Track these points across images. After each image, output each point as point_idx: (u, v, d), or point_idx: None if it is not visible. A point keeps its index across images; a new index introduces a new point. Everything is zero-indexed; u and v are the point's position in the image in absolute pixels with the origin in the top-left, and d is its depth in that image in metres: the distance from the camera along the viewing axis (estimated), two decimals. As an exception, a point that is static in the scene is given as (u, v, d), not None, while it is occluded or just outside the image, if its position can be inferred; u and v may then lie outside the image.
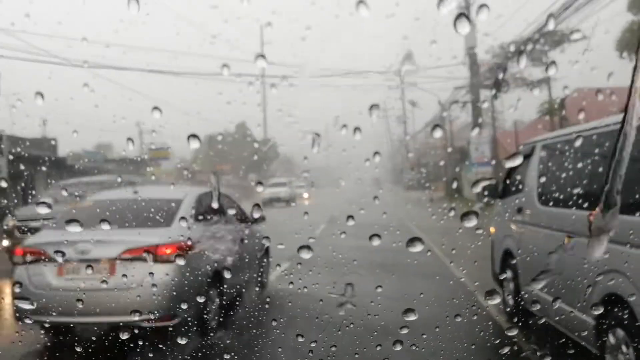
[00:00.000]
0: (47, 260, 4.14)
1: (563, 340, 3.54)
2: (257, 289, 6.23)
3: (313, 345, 3.24)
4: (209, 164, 39.60)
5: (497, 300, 2.72)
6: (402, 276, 6.90)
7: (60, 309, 4.01)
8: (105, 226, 3.43)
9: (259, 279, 6.31)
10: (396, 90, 43.06)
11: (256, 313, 5.35)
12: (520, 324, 4.50)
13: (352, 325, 3.90)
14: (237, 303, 5.63)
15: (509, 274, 4.83)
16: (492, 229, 5.63)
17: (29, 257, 4.25)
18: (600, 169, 3.11)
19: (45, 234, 4.69)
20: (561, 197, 3.90)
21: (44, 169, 18.33)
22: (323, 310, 4.36)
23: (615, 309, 2.86)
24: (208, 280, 4.59)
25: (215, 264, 4.79)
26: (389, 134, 60.49)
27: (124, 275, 4.03)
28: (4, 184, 3.54)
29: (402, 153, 46.76)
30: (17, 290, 4.34)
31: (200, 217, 4.95)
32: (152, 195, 5.24)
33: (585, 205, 3.27)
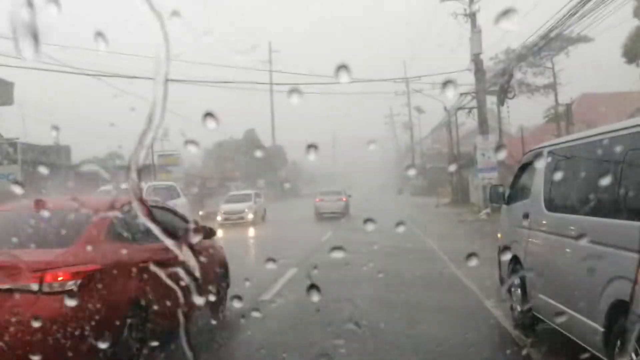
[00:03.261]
0: None
1: (572, 347, 3.52)
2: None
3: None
4: (218, 170, 39.66)
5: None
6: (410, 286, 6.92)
7: None
8: None
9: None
10: (402, 96, 43.15)
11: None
12: (528, 330, 4.47)
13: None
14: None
15: (516, 280, 4.80)
16: (498, 235, 5.60)
17: None
18: (606, 175, 3.10)
19: None
20: (567, 202, 3.89)
21: (56, 175, 18.52)
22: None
23: (624, 316, 2.84)
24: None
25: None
26: (395, 140, 60.45)
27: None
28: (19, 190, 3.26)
29: (409, 159, 46.69)
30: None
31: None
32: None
33: (592, 211, 3.26)
